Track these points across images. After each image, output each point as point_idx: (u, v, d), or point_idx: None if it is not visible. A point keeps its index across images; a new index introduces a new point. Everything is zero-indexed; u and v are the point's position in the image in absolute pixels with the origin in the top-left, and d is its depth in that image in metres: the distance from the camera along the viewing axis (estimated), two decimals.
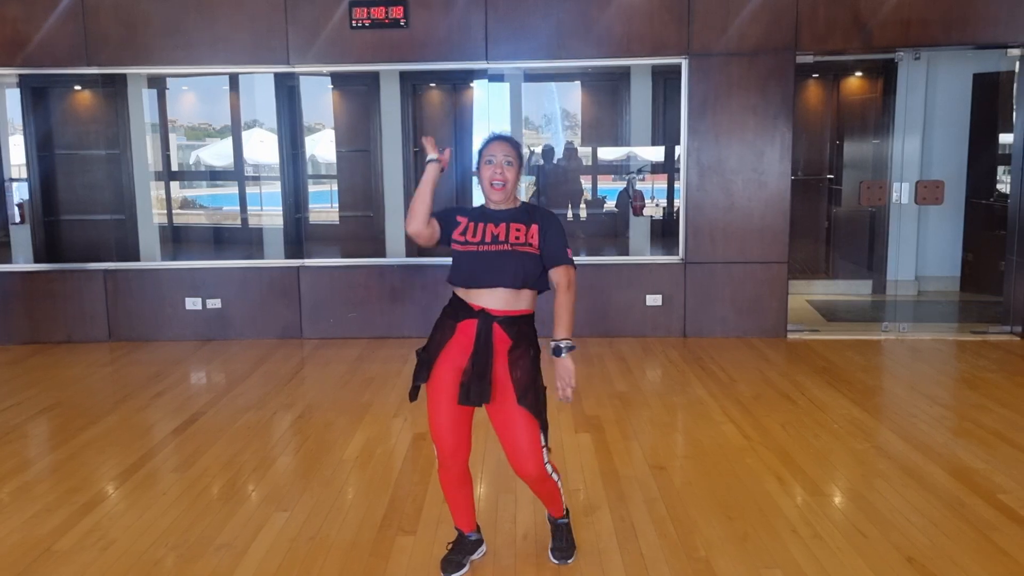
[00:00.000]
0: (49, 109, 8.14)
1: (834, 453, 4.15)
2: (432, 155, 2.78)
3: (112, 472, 4.07)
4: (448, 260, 2.89)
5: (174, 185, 8.84)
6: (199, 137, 9.21)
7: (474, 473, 3.27)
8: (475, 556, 3.08)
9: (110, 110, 7.51)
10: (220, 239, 8.86)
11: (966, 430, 4.45)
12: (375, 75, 7.62)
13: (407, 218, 2.77)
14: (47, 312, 6.88)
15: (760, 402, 4.99)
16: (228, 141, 8.54)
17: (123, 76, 7.06)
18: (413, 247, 7.73)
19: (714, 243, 6.66)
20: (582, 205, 8.78)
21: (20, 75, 7.15)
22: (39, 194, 7.88)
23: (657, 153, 8.37)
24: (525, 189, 8.26)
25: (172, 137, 8.69)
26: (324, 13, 6.56)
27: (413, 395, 2.91)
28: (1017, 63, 6.62)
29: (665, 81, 7.52)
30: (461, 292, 2.82)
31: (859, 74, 8.70)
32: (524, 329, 2.82)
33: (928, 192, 6.94)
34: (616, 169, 8.89)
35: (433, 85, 8.96)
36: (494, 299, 2.77)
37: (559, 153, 8.83)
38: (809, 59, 6.53)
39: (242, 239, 8.42)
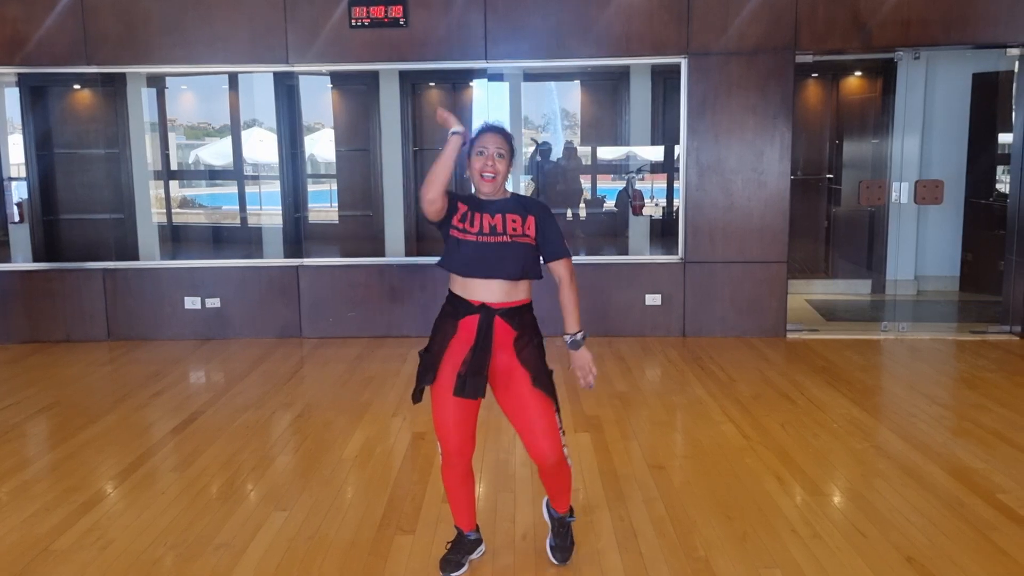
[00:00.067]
0: (48, 108, 8.13)
1: (833, 453, 4.15)
2: (457, 127, 2.74)
3: (111, 471, 4.07)
4: None
5: (173, 184, 8.84)
6: (198, 136, 9.21)
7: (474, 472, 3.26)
8: (474, 556, 3.08)
9: (109, 109, 7.50)
10: (219, 238, 8.85)
11: (965, 430, 4.45)
12: (374, 74, 7.61)
13: (427, 184, 2.71)
14: (46, 311, 6.87)
15: (759, 402, 4.99)
16: (227, 140, 8.54)
17: (122, 75, 7.05)
18: (412, 246, 7.75)
19: (713, 243, 6.66)
20: (581, 205, 8.78)
21: (19, 74, 7.15)
22: (38, 193, 7.88)
23: (656, 153, 8.37)
24: (524, 188, 8.26)
25: (171, 136, 8.68)
26: (323, 12, 6.55)
27: (417, 397, 2.89)
28: (1016, 63, 6.62)
29: (664, 81, 7.51)
30: (458, 287, 2.82)
31: (858, 74, 8.70)
32: (527, 318, 2.84)
33: (927, 192, 6.94)
34: (615, 169, 8.89)
35: (432, 84, 8.95)
36: (492, 292, 2.77)
37: (558, 152, 8.82)
38: (809, 59, 6.53)
39: (241, 238, 8.41)
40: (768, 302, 6.68)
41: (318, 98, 8.92)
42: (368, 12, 6.50)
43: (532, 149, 8.52)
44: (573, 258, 2.90)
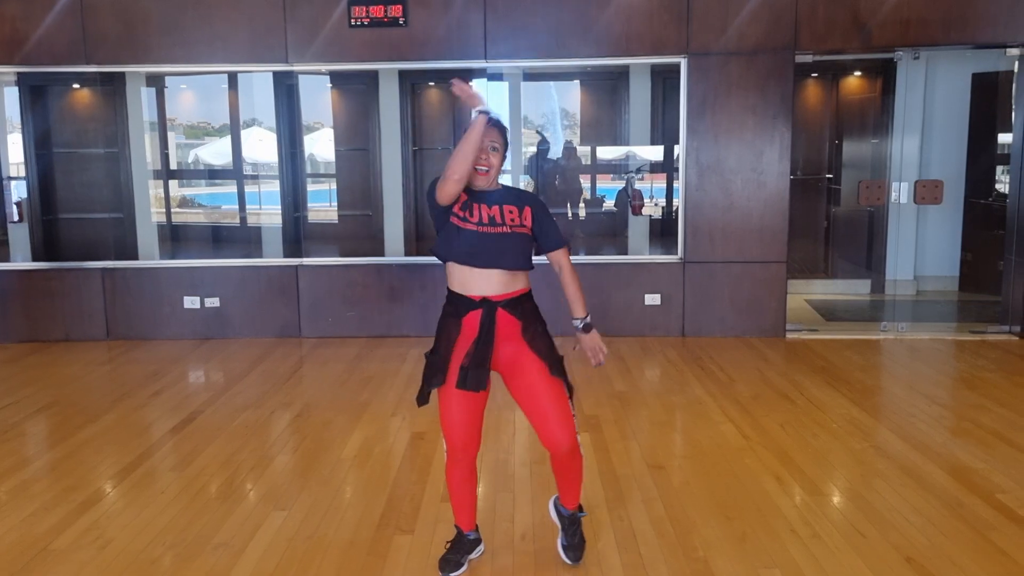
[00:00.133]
0: (48, 107, 8.12)
1: (833, 453, 4.15)
2: (483, 106, 2.71)
3: (110, 471, 4.07)
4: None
5: (173, 184, 8.83)
6: (198, 136, 9.20)
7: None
8: (473, 556, 3.07)
9: (108, 108, 7.50)
10: (219, 238, 8.85)
11: (965, 430, 4.45)
12: (374, 74, 7.61)
13: (457, 163, 2.67)
14: (45, 310, 6.87)
15: (759, 402, 4.99)
16: (227, 140, 8.53)
17: (122, 74, 7.05)
18: (412, 246, 7.75)
19: (713, 243, 6.66)
20: (581, 204, 8.77)
21: (18, 73, 7.14)
22: (37, 192, 7.87)
23: (656, 152, 8.37)
24: (524, 188, 8.25)
25: (171, 135, 8.68)
26: (323, 12, 6.55)
27: (423, 399, 2.89)
28: (1016, 63, 6.62)
29: (664, 81, 7.51)
30: (457, 284, 2.82)
31: (858, 74, 8.70)
32: (528, 307, 2.86)
33: (927, 192, 6.94)
34: (615, 168, 8.89)
35: (432, 84, 8.95)
36: (491, 284, 2.78)
37: (558, 151, 8.81)
38: (808, 59, 6.53)
39: (241, 238, 8.41)
40: (767, 302, 6.68)
41: (318, 98, 8.92)
42: (368, 12, 6.50)
43: (539, 147, 8.53)
44: (572, 258, 2.93)
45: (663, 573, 2.99)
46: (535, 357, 2.81)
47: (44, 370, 6.04)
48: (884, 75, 8.11)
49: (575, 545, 3.06)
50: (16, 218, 7.45)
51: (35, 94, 7.92)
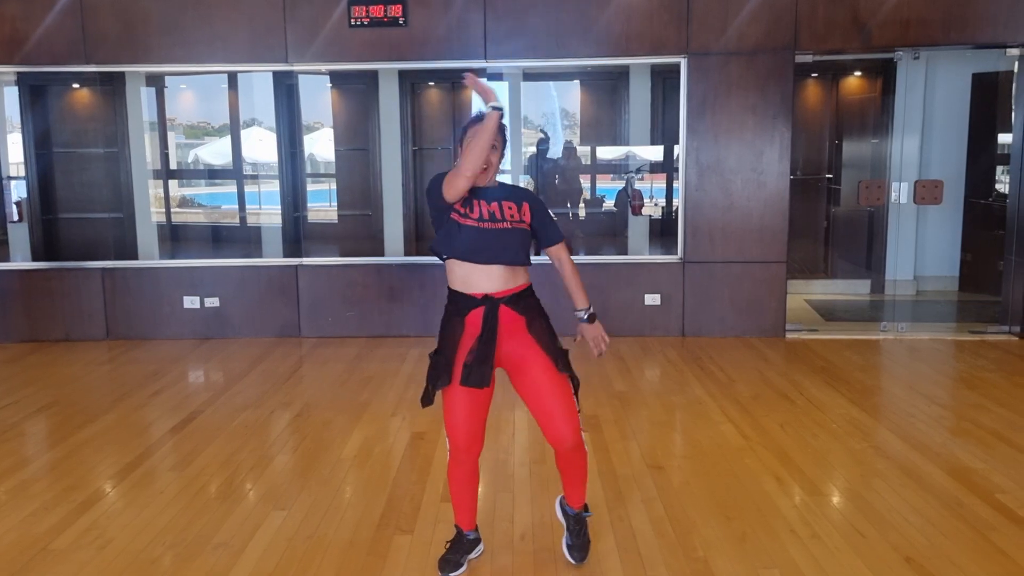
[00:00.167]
0: (47, 107, 8.12)
1: (832, 453, 4.15)
2: (496, 102, 2.70)
3: (110, 470, 4.07)
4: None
5: (172, 183, 8.83)
6: (198, 135, 9.20)
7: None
8: (472, 555, 3.08)
9: (108, 108, 7.50)
10: (218, 238, 8.85)
11: (964, 430, 4.45)
12: (374, 74, 7.61)
13: (472, 159, 2.67)
14: (45, 310, 6.87)
15: (758, 402, 4.99)
16: (227, 139, 8.53)
17: (121, 74, 7.04)
18: (412, 246, 7.75)
19: (713, 243, 6.66)
20: (581, 204, 8.77)
21: (18, 73, 7.14)
22: (37, 192, 7.87)
23: (656, 152, 8.37)
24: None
25: (171, 135, 8.68)
26: (323, 12, 6.55)
27: (428, 400, 2.88)
28: (1016, 63, 6.62)
29: (664, 80, 7.51)
30: (458, 282, 2.82)
31: (858, 74, 8.70)
32: (530, 302, 2.87)
33: (927, 192, 6.94)
34: (615, 168, 8.89)
35: (432, 84, 8.95)
36: (492, 280, 2.78)
37: (558, 151, 8.81)
38: (808, 59, 6.53)
39: (240, 238, 8.41)
40: (767, 302, 6.68)
41: (317, 97, 8.92)
42: (367, 11, 6.50)
43: (539, 147, 8.53)
44: (572, 258, 2.96)
45: (663, 573, 2.99)
46: (540, 351, 2.82)
47: (44, 370, 6.04)
48: (884, 75, 8.11)
49: (580, 545, 3.06)
50: (16, 218, 7.45)
51: (35, 94, 7.91)
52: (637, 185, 8.29)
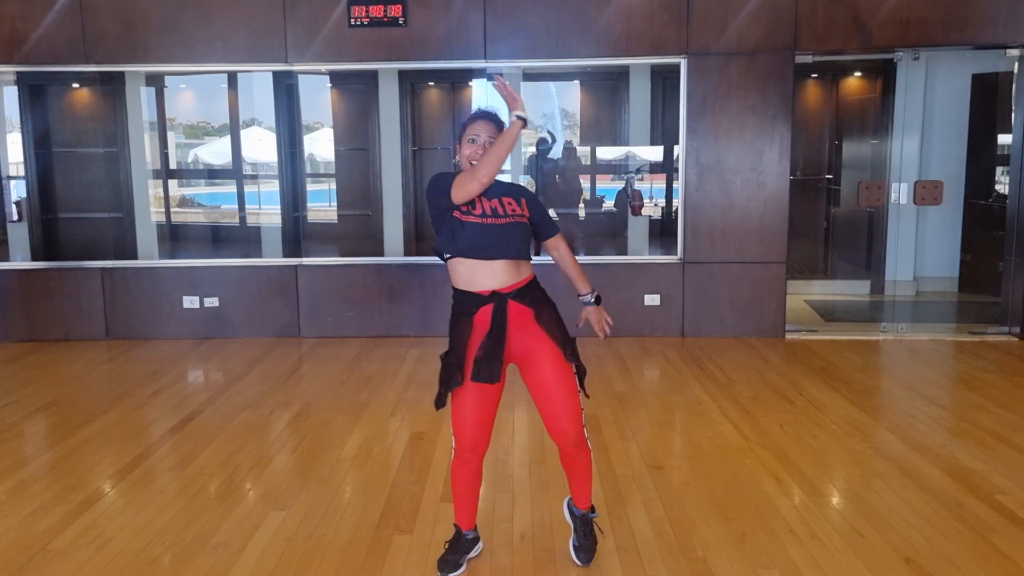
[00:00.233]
0: (47, 107, 8.13)
1: (832, 453, 4.15)
2: (522, 112, 2.70)
3: (109, 470, 4.06)
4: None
5: (172, 183, 8.84)
6: (197, 135, 9.20)
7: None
8: (471, 554, 3.07)
9: (108, 108, 7.50)
10: (218, 237, 8.85)
11: (964, 431, 4.44)
12: (374, 74, 7.61)
13: (490, 167, 2.67)
14: (45, 310, 6.87)
15: (758, 402, 4.99)
16: (226, 139, 8.54)
17: (121, 74, 7.04)
18: (411, 246, 7.75)
19: (713, 243, 6.66)
20: (581, 204, 8.77)
21: (18, 72, 7.14)
22: (37, 192, 7.88)
23: (656, 153, 8.37)
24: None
25: (170, 135, 8.68)
26: (323, 11, 6.55)
27: (441, 402, 2.88)
28: (1016, 63, 6.62)
29: (664, 81, 7.51)
30: (463, 281, 2.82)
31: (858, 74, 8.70)
32: (537, 294, 2.88)
33: (927, 192, 6.94)
34: (615, 169, 8.89)
35: (432, 84, 8.95)
36: (497, 276, 2.79)
37: (558, 151, 8.81)
38: (808, 59, 6.53)
39: (240, 237, 8.41)
40: (767, 302, 6.68)
41: (317, 97, 8.92)
42: (367, 11, 6.50)
43: (539, 147, 8.53)
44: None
45: (662, 573, 2.99)
46: (548, 341, 2.83)
47: (43, 369, 6.03)
48: (884, 76, 8.12)
49: (586, 547, 3.06)
50: (15, 217, 7.45)
51: (35, 93, 7.92)
52: (637, 185, 8.29)
